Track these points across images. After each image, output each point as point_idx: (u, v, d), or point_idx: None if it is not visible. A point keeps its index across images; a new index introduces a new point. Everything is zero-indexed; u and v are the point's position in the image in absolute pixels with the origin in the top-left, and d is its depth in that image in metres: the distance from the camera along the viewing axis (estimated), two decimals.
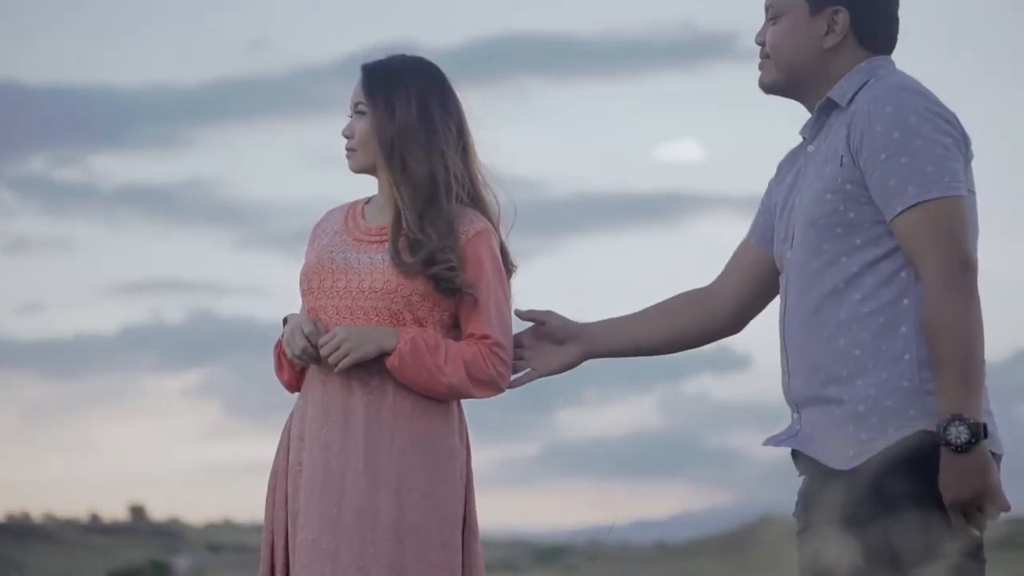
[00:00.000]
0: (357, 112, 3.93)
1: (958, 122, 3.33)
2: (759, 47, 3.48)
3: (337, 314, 3.87)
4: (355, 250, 3.92)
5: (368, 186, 4.06)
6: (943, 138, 3.26)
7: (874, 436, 3.29)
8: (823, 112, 3.41)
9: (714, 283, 3.77)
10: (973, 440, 3.19)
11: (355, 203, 4.05)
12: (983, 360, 3.27)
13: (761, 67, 3.47)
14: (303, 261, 4.03)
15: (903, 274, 3.31)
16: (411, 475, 3.81)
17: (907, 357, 3.30)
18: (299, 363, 3.86)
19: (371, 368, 3.82)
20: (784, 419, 3.54)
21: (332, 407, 3.85)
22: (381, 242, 3.90)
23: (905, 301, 3.31)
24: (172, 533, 39.34)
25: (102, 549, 34.91)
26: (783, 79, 3.44)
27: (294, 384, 3.96)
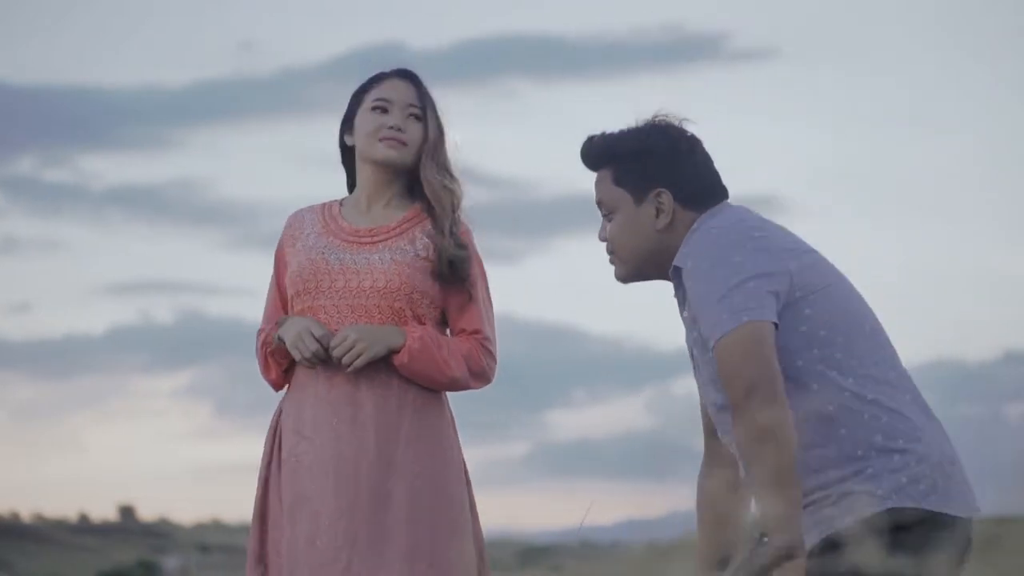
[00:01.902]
0: (411, 115, 4.08)
1: (757, 241, 3.40)
2: (604, 243, 3.60)
3: (338, 313, 3.99)
4: (347, 251, 4.03)
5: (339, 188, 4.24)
6: (731, 272, 3.35)
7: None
8: (676, 279, 3.51)
9: (711, 462, 3.70)
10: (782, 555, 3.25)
11: (325, 205, 4.17)
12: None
13: (611, 263, 3.59)
14: (281, 265, 4.12)
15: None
16: (420, 464, 3.98)
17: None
18: (307, 364, 3.95)
19: (376, 364, 3.96)
20: None
21: (339, 402, 3.97)
22: (372, 243, 4.03)
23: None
24: (161, 533, 39.38)
25: (91, 549, 34.95)
26: (634, 270, 3.57)
27: (281, 383, 4.08)
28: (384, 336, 3.95)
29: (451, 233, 4.03)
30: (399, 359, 3.96)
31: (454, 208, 4.07)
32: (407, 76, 4.14)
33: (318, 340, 3.92)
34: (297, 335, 3.93)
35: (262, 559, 4.02)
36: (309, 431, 3.97)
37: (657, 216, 3.50)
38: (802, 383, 3.36)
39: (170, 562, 31.71)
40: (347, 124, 4.15)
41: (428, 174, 4.07)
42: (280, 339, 3.99)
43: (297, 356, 3.94)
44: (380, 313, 3.99)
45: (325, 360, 3.94)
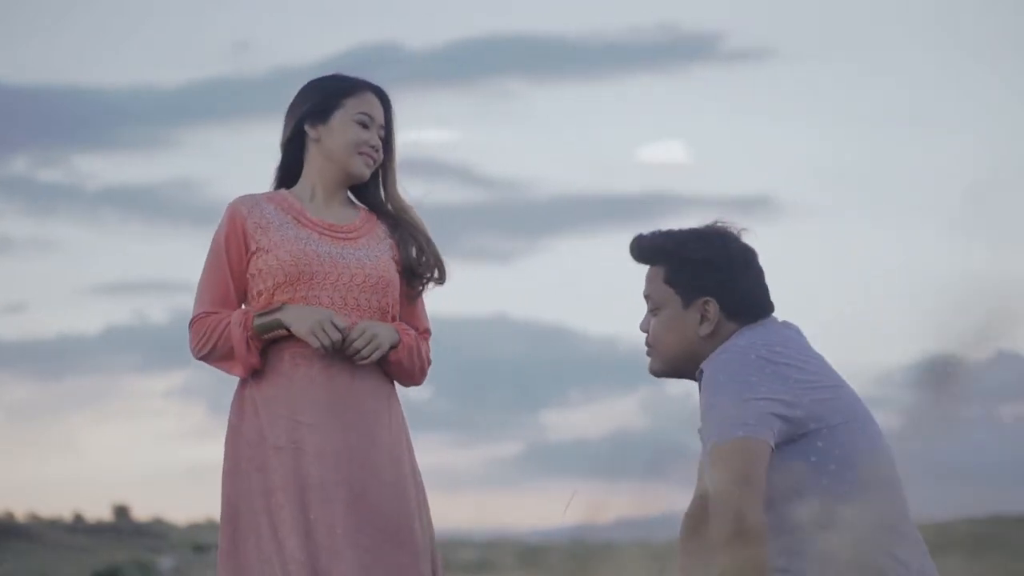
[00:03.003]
0: (377, 130, 4.22)
1: (777, 367, 3.45)
2: (644, 334, 3.67)
3: (332, 305, 4.09)
4: (330, 245, 4.15)
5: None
6: (742, 388, 3.40)
7: None
8: (700, 381, 3.57)
9: None
10: None
11: (277, 196, 4.24)
12: None
13: (648, 355, 3.68)
14: (241, 249, 4.13)
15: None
16: (402, 448, 4.14)
17: None
18: (322, 352, 4.04)
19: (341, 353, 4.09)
20: None
21: (340, 391, 4.07)
22: (348, 239, 4.17)
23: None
24: (156, 533, 39.37)
25: (86, 549, 34.94)
26: (668, 368, 3.66)
27: (255, 367, 4.11)
28: (388, 332, 4.10)
29: (426, 248, 4.21)
30: (396, 355, 4.12)
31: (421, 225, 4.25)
32: (382, 96, 4.26)
33: (340, 331, 4.02)
34: (318, 323, 4.01)
35: (234, 555, 4.06)
36: (309, 418, 4.03)
37: (701, 323, 3.57)
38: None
39: (165, 562, 31.75)
40: (317, 117, 4.20)
41: (395, 193, 4.26)
42: (272, 326, 4.03)
43: (315, 343, 4.02)
44: (369, 307, 4.13)
45: (340, 349, 4.05)
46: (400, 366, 4.14)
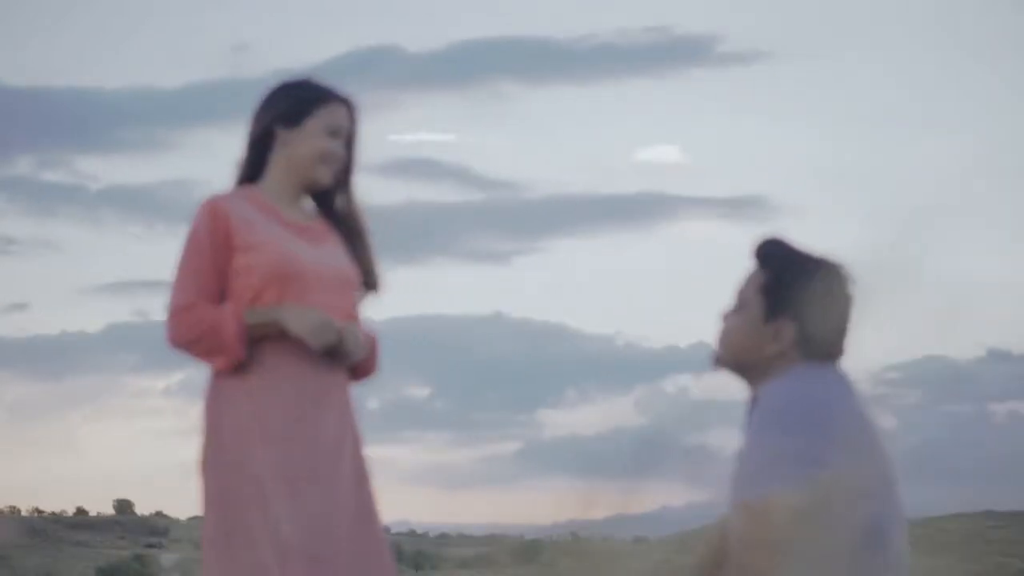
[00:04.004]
0: (341, 137, 4.31)
1: (815, 422, 3.45)
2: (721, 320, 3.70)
3: (319, 305, 4.17)
4: (307, 246, 4.24)
5: None
6: (780, 446, 3.41)
7: None
8: (752, 406, 3.63)
9: None
10: None
11: (249, 193, 4.30)
12: None
13: (719, 341, 3.69)
14: (228, 244, 4.18)
15: None
16: (361, 437, 4.24)
17: None
18: (318, 352, 4.13)
19: (333, 353, 4.19)
20: None
21: (323, 384, 4.17)
22: (318, 240, 4.27)
23: None
24: (157, 529, 39.37)
25: (89, 544, 34.99)
26: (731, 364, 3.67)
27: (238, 363, 4.15)
28: (364, 335, 4.26)
29: (374, 257, 4.35)
30: (370, 357, 4.29)
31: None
32: (351, 107, 4.34)
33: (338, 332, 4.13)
34: (321, 326, 4.10)
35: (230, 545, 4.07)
36: (296, 412, 4.11)
37: (772, 341, 3.59)
38: None
39: (166, 557, 31.76)
40: (290, 120, 4.28)
41: (353, 200, 4.36)
42: (267, 323, 4.11)
43: (316, 344, 4.10)
44: (340, 308, 4.22)
45: (330, 350, 4.15)
46: (366, 366, 4.30)
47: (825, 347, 3.58)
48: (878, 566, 3.44)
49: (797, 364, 3.56)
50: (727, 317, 3.67)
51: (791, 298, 3.58)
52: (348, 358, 4.18)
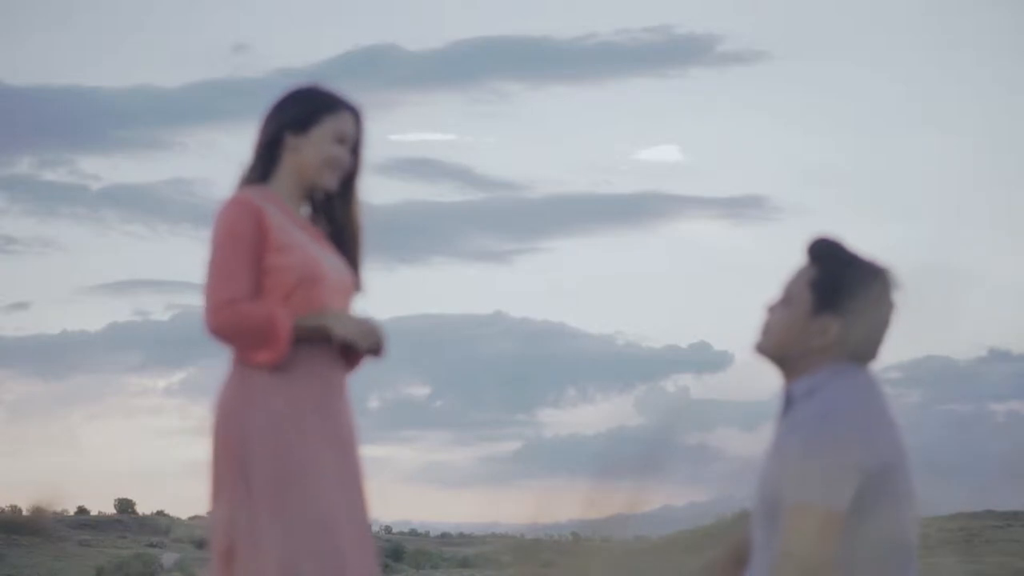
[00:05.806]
0: (347, 144, 4.41)
1: (854, 438, 3.49)
2: (767, 311, 3.74)
3: (339, 308, 4.34)
4: (319, 249, 4.36)
5: None
6: (826, 459, 3.46)
7: None
8: (786, 399, 3.68)
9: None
10: None
11: (272, 196, 4.37)
12: None
13: (763, 330, 3.73)
14: (267, 240, 4.26)
15: None
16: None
17: None
18: (364, 351, 4.32)
19: (336, 348, 4.32)
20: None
21: (338, 382, 4.32)
22: (324, 244, 4.39)
23: None
24: (159, 529, 39.45)
25: (90, 544, 35.03)
26: (769, 353, 3.72)
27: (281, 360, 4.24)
28: None
29: (362, 263, 4.46)
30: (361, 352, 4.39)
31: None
32: (357, 114, 4.44)
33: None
34: (365, 329, 4.27)
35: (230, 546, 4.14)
36: (313, 406, 4.24)
37: (817, 336, 3.63)
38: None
39: (168, 557, 31.81)
40: (298, 126, 4.38)
41: (355, 210, 4.46)
42: (314, 327, 4.24)
43: (366, 345, 4.28)
44: (346, 310, 4.39)
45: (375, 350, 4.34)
46: (355, 361, 4.41)
47: (865, 348, 3.64)
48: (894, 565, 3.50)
49: (835, 362, 3.62)
50: (773, 309, 3.71)
51: (840, 296, 3.63)
52: (382, 357, 4.34)
